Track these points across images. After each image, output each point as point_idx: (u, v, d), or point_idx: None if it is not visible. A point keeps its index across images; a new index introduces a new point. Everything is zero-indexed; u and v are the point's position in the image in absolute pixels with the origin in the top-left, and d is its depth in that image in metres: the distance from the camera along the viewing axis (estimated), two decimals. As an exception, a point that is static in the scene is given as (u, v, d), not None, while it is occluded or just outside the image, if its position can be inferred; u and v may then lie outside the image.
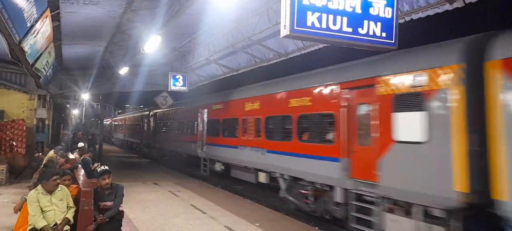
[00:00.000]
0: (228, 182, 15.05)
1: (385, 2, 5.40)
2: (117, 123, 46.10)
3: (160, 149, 24.53)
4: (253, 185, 13.62)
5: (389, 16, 5.44)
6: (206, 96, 18.35)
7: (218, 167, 15.54)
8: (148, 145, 27.57)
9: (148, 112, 28.01)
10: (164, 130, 24.17)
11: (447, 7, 6.93)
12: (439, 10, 7.11)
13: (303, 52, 11.98)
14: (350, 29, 5.26)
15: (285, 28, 5.02)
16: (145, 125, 28.81)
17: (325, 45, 9.87)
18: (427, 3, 7.24)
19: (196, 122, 17.89)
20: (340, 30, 5.22)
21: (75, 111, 30.88)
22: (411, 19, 7.69)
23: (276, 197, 12.35)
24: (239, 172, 13.95)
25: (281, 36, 5.16)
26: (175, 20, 10.40)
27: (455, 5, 6.79)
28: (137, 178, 16.16)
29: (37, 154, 13.98)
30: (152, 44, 11.26)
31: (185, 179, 16.80)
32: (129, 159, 27.01)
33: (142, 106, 45.29)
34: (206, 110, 17.01)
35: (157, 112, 25.59)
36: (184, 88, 16.61)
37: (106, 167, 5.93)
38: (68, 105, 25.81)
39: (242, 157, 13.17)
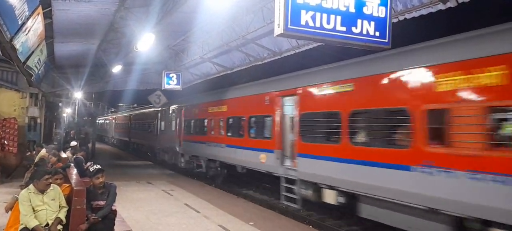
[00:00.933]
0: (223, 181, 15.00)
1: (378, 2, 5.42)
2: (119, 121, 38.61)
3: (191, 156, 17.17)
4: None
5: (383, 16, 5.46)
6: (295, 74, 10.84)
7: (330, 197, 8.78)
8: (167, 150, 20.40)
9: (167, 107, 20.58)
10: (198, 131, 16.51)
11: (441, 6, 6.99)
12: (433, 9, 7.17)
13: (297, 51, 12.00)
14: (343, 28, 5.27)
15: (279, 27, 5.02)
16: (162, 123, 21.94)
17: (320, 44, 9.91)
18: (421, 3, 7.30)
19: (267, 118, 11.20)
20: (334, 29, 5.23)
21: (68, 110, 30.65)
22: (405, 18, 7.74)
23: (270, 196, 12.32)
24: (396, 215, 7.11)
25: (275, 35, 5.15)
26: (169, 18, 10.36)
27: (448, 4, 6.84)
28: (130, 177, 16.08)
29: (28, 153, 13.85)
30: (146, 43, 11.20)
31: (179, 177, 16.74)
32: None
33: (133, 105, 43.89)
34: (295, 98, 10.08)
35: (184, 106, 18.35)
36: (178, 86, 16.57)
37: (99, 166, 5.89)
38: (60, 104, 25.61)
39: (423, 189, 6.41)
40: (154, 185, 14.29)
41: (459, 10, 6.92)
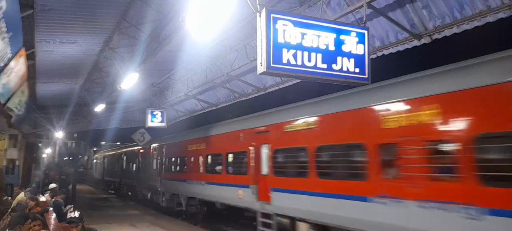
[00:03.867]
0: (209, 220, 14.63)
1: (357, 39, 5.64)
2: (181, 154, 16.27)
3: None
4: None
5: (361, 53, 5.67)
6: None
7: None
8: None
9: None
10: None
11: (416, 43, 7.29)
12: (408, 46, 7.47)
13: (281, 86, 12.19)
14: (324, 66, 5.44)
15: (261, 66, 5.13)
16: None
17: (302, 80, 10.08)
18: (397, 39, 7.60)
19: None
20: (315, 66, 5.38)
21: (48, 150, 29.86)
22: (383, 54, 8.01)
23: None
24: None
25: (258, 73, 5.25)
26: (153, 57, 10.45)
27: (423, 41, 7.15)
28: (112, 219, 15.54)
29: (5, 197, 13.31)
30: (130, 81, 11.19)
31: (163, 218, 16.25)
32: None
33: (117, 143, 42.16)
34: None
35: None
36: (163, 124, 16.42)
37: (77, 214, 5.74)
38: (40, 144, 24.96)
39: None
40: (138, 227, 13.83)
41: (434, 45, 7.23)
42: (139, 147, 21.90)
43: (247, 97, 14.02)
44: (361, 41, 5.65)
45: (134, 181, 23.55)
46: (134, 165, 24.01)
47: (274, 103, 11.73)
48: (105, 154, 37.77)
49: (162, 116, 16.40)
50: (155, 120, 16.26)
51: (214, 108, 16.45)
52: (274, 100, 13.44)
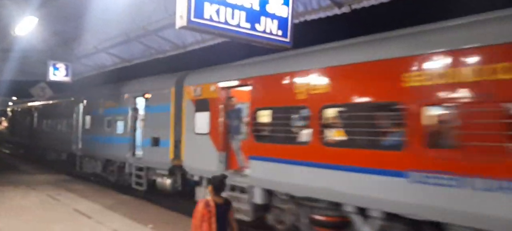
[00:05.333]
0: (120, 184, 13.91)
1: (281, 1, 5.52)
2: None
3: None
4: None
5: (285, 15, 5.58)
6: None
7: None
8: None
9: None
10: None
11: (336, 11, 7.45)
12: (330, 13, 7.61)
13: (202, 45, 11.71)
14: (248, 25, 5.26)
15: (181, 19, 4.76)
16: None
17: (225, 39, 9.77)
18: (319, 6, 7.68)
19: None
20: (238, 25, 5.18)
21: None
22: (305, 20, 8.06)
23: (173, 198, 11.81)
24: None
25: (177, 27, 4.87)
26: (56, 0, 9.17)
27: (343, 10, 7.33)
28: (8, 181, 13.92)
29: None
30: (26, 27, 9.77)
31: (67, 180, 15.04)
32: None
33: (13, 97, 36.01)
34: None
35: None
36: (67, 78, 14.83)
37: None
38: None
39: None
40: (37, 190, 12.57)
41: (353, 15, 7.46)
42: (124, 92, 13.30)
43: (165, 55, 13.26)
44: (285, 2, 5.56)
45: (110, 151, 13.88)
46: (119, 125, 13.55)
47: (194, 64, 11.26)
48: (35, 105, 24.11)
49: (66, 70, 14.82)
50: (58, 73, 14.64)
51: (128, 64, 15.30)
52: (194, 60, 12.93)
